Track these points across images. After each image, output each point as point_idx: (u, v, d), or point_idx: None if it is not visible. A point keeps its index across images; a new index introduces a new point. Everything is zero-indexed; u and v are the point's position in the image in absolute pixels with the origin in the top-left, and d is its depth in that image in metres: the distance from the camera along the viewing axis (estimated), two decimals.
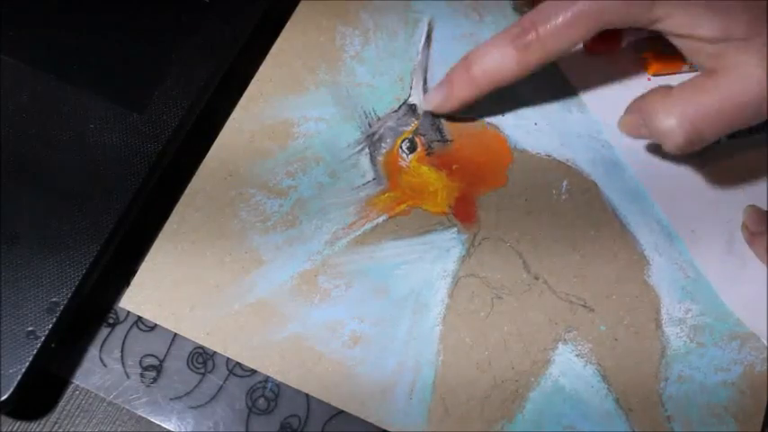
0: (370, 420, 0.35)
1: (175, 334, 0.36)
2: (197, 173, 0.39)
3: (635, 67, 0.44)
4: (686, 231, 0.41)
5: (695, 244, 0.40)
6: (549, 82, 0.43)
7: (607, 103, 0.43)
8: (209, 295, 0.36)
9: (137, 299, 0.36)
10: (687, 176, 0.42)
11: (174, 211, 0.38)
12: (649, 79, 0.44)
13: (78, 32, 0.38)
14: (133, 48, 0.38)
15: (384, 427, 0.35)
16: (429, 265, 0.38)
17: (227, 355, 0.36)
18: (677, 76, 0.45)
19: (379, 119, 0.41)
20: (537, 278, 0.39)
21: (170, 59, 0.38)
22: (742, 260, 0.40)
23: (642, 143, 0.42)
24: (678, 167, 0.42)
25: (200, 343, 0.36)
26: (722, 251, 0.41)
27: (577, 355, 0.38)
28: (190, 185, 0.38)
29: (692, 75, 0.44)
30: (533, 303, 0.38)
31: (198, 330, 0.36)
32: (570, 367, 0.37)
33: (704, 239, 0.41)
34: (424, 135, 0.41)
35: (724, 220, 0.41)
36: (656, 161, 0.42)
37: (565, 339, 0.38)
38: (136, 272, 0.37)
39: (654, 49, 0.44)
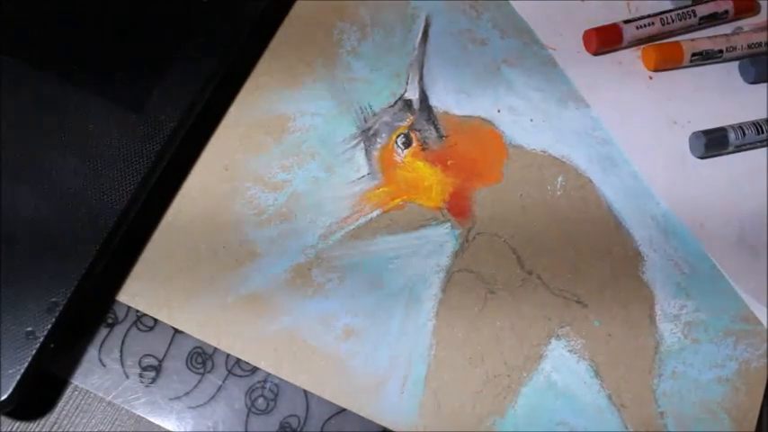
0: (361, 414, 0.36)
1: (174, 334, 0.36)
2: (193, 167, 0.39)
3: (635, 62, 0.44)
4: (695, 225, 0.41)
5: (706, 237, 0.40)
6: (546, 78, 0.43)
7: (609, 99, 0.43)
8: (203, 287, 0.37)
9: (132, 290, 0.36)
10: (692, 173, 0.42)
11: (170, 204, 0.38)
12: (651, 78, 0.44)
13: (78, 32, 0.38)
14: (132, 48, 0.39)
15: (375, 420, 0.36)
16: (423, 260, 0.38)
17: (219, 347, 0.36)
18: (679, 70, 0.45)
19: (374, 114, 0.41)
20: (531, 273, 0.39)
21: (169, 59, 0.38)
22: (754, 250, 0.40)
23: (646, 140, 0.42)
24: (682, 164, 0.42)
25: (193, 335, 0.36)
26: (734, 243, 0.41)
27: (570, 351, 0.38)
28: (186, 179, 0.39)
29: (691, 68, 0.45)
30: (527, 299, 0.38)
31: (191, 322, 0.36)
32: (563, 363, 0.37)
33: (715, 233, 0.41)
34: (419, 130, 0.41)
35: (733, 213, 0.41)
36: (659, 158, 0.42)
37: (558, 335, 0.38)
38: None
39: (654, 44, 0.44)
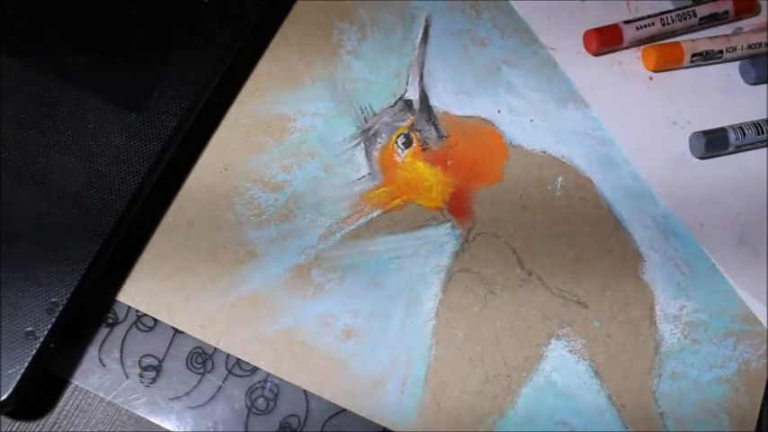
0: (361, 414, 0.36)
1: (174, 334, 0.36)
2: (193, 167, 0.39)
3: (636, 63, 0.44)
4: (695, 225, 0.41)
5: (705, 237, 0.40)
6: (546, 78, 0.43)
7: (609, 100, 0.43)
8: (204, 288, 0.37)
9: (131, 291, 0.36)
10: (692, 173, 0.42)
11: (170, 204, 0.38)
12: (651, 78, 0.44)
13: (78, 32, 0.38)
14: (132, 48, 0.38)
15: (375, 420, 0.36)
16: (423, 260, 0.38)
17: (219, 347, 0.36)
18: (679, 71, 0.45)
19: (374, 114, 0.41)
20: (531, 274, 0.39)
21: (169, 59, 0.38)
22: (754, 249, 0.40)
23: (646, 141, 0.42)
24: (682, 164, 0.42)
25: (193, 335, 0.36)
26: (734, 242, 0.41)
27: (570, 351, 0.38)
28: (186, 179, 0.39)
29: (692, 69, 0.45)
30: (527, 299, 0.38)
31: (191, 322, 0.36)
32: (563, 363, 0.37)
33: (714, 232, 0.41)
34: (419, 131, 0.41)
35: (732, 213, 0.41)
36: (659, 158, 0.42)
37: (558, 335, 0.38)
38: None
39: (654, 44, 0.44)
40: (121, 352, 0.36)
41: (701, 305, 0.39)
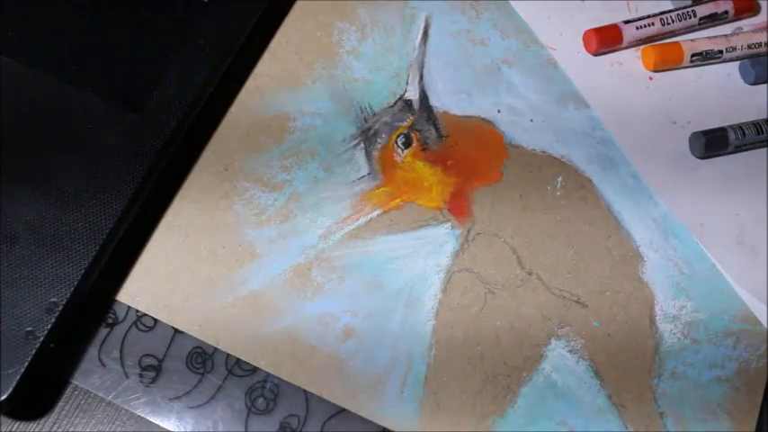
0: (360, 414, 0.36)
1: (174, 334, 0.36)
2: (193, 167, 0.39)
3: (635, 63, 0.44)
4: (695, 225, 0.41)
5: (705, 237, 0.40)
6: (546, 78, 0.43)
7: (609, 99, 0.43)
8: (203, 288, 0.37)
9: (131, 291, 0.36)
10: (692, 173, 0.42)
11: (170, 204, 0.38)
12: (651, 78, 0.44)
13: (78, 33, 0.38)
14: (132, 48, 0.39)
15: (375, 420, 0.36)
16: (423, 260, 0.38)
17: (219, 347, 0.36)
18: (679, 71, 0.45)
19: (374, 114, 0.41)
20: (530, 273, 0.39)
21: (169, 59, 0.38)
22: (754, 250, 0.40)
23: (646, 140, 0.42)
24: (682, 164, 0.42)
25: (193, 335, 0.36)
26: (734, 242, 0.41)
27: (570, 351, 0.38)
28: (186, 179, 0.39)
29: (692, 68, 0.45)
30: (527, 299, 0.38)
31: (191, 323, 0.36)
32: (563, 363, 0.37)
33: (714, 232, 0.41)
34: (419, 130, 0.41)
35: (732, 214, 0.41)
36: (659, 159, 0.42)
37: (558, 335, 0.38)
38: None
39: (654, 44, 0.44)
40: (121, 352, 0.36)
41: (701, 305, 0.39)
